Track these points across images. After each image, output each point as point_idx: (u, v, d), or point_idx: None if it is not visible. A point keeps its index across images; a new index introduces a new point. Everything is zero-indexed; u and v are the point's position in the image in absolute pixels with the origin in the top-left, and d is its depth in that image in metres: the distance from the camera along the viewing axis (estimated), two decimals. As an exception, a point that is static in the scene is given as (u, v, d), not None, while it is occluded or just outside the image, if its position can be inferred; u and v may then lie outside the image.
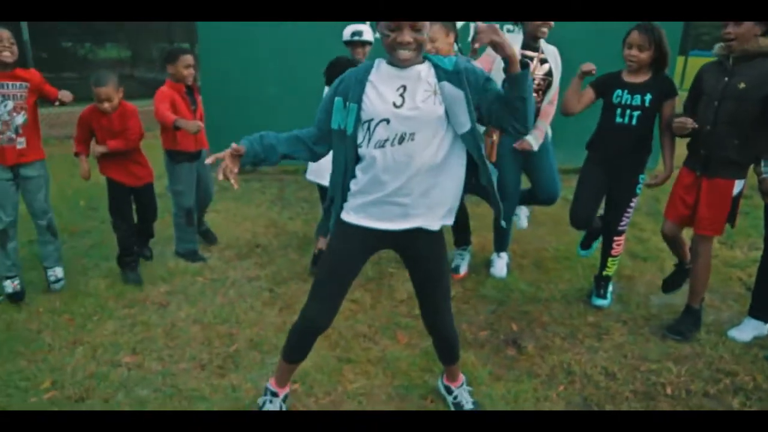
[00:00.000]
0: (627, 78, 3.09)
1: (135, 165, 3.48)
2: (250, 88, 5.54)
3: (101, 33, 11.57)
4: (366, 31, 3.67)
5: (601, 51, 3.98)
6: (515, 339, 2.97)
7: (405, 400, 2.48)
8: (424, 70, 1.85)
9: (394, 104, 1.83)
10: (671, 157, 3.06)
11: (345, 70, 1.98)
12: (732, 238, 4.29)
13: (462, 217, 3.71)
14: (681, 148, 3.01)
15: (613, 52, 3.39)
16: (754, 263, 3.83)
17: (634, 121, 3.04)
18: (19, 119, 3.07)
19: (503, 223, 2.10)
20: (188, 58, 3.55)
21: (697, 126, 2.80)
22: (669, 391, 2.58)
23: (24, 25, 7.07)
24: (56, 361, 2.71)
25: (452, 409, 2.39)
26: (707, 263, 2.96)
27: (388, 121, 1.83)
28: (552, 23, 3.20)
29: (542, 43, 3.29)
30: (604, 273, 3.32)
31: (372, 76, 1.88)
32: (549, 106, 3.39)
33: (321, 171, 3.47)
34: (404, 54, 1.79)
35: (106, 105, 3.22)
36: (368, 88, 1.86)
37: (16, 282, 3.23)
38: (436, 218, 1.98)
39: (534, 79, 3.26)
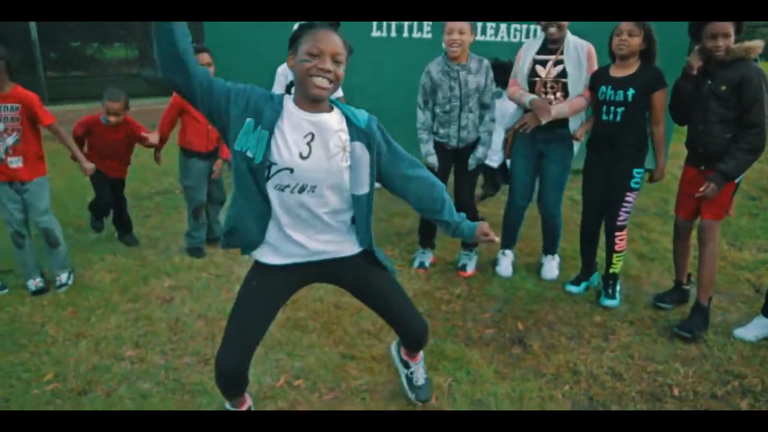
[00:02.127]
0: (613, 72, 3.07)
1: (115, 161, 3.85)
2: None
3: (109, 33, 11.63)
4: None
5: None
6: (521, 338, 2.95)
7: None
8: (335, 120, 1.76)
9: (301, 155, 1.70)
10: (661, 152, 3.08)
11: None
12: (741, 240, 4.25)
13: (472, 219, 3.67)
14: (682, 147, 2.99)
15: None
16: (764, 265, 3.81)
17: (618, 118, 3.04)
18: (9, 140, 3.09)
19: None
20: (204, 56, 3.46)
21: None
22: (676, 392, 2.54)
23: (32, 25, 7.08)
24: (59, 354, 2.71)
25: (404, 382, 2.37)
26: (714, 251, 2.95)
27: (291, 170, 1.71)
28: (562, 23, 3.14)
29: (568, 39, 3.20)
30: (611, 270, 3.30)
31: (281, 119, 1.71)
32: (578, 98, 3.22)
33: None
34: (321, 82, 1.65)
35: (113, 119, 3.59)
36: (276, 131, 1.70)
37: (38, 279, 3.31)
38: (345, 246, 1.91)
39: (546, 83, 3.25)
